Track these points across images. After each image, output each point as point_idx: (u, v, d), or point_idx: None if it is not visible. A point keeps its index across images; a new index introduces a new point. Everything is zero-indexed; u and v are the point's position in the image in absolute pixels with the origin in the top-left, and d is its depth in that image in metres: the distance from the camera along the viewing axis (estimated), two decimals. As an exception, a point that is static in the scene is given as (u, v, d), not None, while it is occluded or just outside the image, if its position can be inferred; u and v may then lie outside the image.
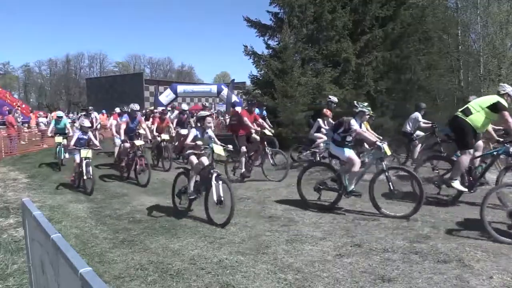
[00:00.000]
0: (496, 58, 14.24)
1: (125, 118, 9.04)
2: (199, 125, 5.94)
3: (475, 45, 15.17)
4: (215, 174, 5.40)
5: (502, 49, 14.33)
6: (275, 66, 12.56)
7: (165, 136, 10.33)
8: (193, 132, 5.78)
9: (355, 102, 6.08)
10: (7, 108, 21.63)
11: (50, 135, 10.93)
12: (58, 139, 10.49)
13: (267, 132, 8.62)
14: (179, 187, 6.08)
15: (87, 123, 8.57)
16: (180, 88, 27.26)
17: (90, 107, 16.00)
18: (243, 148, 8.40)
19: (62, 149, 10.33)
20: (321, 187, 6.00)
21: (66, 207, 6.28)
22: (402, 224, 5.00)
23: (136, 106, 9.19)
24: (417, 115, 8.34)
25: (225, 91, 24.67)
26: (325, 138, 8.74)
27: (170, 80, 54.35)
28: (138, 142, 8.62)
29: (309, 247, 4.25)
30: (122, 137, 8.65)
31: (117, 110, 12.77)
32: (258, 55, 13.57)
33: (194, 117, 12.28)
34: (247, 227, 5.07)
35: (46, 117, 20.77)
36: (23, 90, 67.73)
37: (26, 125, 21.66)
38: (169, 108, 16.90)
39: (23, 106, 28.94)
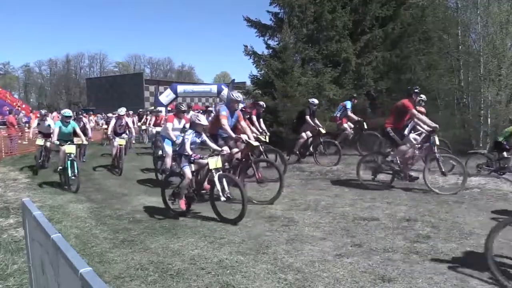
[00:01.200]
0: (496, 58, 14.21)
1: (225, 111, 6.65)
2: None
3: (475, 45, 15.14)
4: None
5: (502, 49, 14.29)
6: (275, 66, 12.58)
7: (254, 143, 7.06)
8: None
9: None
10: (7, 108, 21.64)
11: (56, 142, 7.95)
12: (70, 148, 7.49)
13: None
14: None
15: (203, 119, 5.93)
16: (180, 88, 27.29)
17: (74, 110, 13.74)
18: (406, 145, 6.80)
19: (75, 163, 7.57)
20: None
21: (66, 207, 6.27)
22: (402, 224, 5.00)
23: (237, 95, 6.77)
24: None
25: (225, 91, 24.65)
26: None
27: (170, 80, 54.47)
28: (254, 143, 6.44)
29: (309, 247, 4.24)
30: (233, 136, 6.53)
31: (122, 111, 10.28)
32: (258, 55, 13.61)
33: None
34: (247, 227, 5.07)
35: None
36: (23, 90, 67.81)
37: (27, 125, 21.66)
38: (169, 108, 16.83)
39: (23, 106, 28.95)
